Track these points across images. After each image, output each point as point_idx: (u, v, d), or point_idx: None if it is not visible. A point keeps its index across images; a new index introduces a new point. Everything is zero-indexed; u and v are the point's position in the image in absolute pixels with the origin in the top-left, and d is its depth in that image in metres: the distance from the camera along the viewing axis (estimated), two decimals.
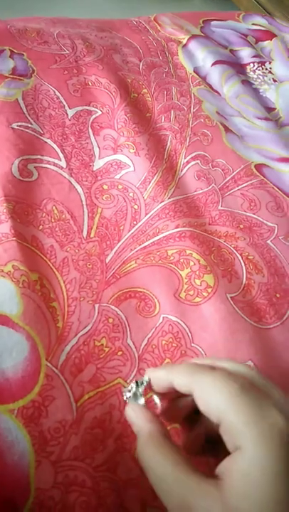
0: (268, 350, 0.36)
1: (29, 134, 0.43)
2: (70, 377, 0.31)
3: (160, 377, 0.26)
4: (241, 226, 0.43)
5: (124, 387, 0.28)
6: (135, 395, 0.27)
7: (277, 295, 0.39)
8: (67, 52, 0.52)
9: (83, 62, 0.52)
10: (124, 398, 0.28)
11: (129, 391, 0.27)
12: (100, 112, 0.47)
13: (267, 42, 0.63)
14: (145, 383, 0.27)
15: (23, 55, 0.50)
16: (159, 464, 0.21)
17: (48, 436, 0.28)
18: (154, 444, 0.22)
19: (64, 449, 0.28)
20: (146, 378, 0.27)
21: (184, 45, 0.60)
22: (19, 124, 0.43)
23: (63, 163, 0.42)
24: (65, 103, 0.47)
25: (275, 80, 0.58)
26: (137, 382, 0.28)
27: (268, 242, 0.43)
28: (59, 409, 0.29)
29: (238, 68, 0.59)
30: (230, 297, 0.38)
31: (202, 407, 0.22)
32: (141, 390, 0.27)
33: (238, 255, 0.41)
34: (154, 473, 0.21)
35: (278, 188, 0.47)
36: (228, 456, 0.20)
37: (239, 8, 1.65)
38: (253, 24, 0.66)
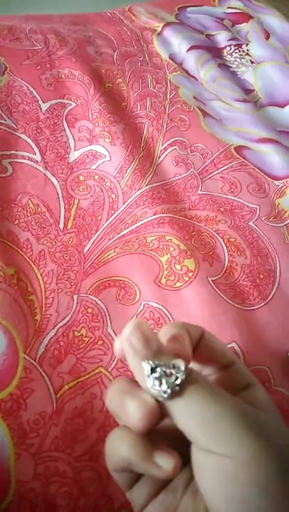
0: (252, 331, 0.35)
1: (3, 131, 0.43)
2: (49, 368, 0.31)
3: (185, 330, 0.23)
4: (222, 209, 0.43)
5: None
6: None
7: (261, 276, 0.39)
8: (40, 47, 0.52)
9: (56, 56, 0.51)
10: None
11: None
12: (74, 104, 0.47)
13: (243, 24, 0.62)
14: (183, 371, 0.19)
15: None
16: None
17: (27, 428, 0.28)
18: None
19: (44, 440, 0.28)
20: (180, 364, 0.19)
21: (159, 33, 0.59)
22: None
23: (38, 157, 0.42)
24: (38, 97, 0.47)
25: (252, 62, 0.57)
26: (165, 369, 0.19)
27: (250, 223, 0.42)
28: (38, 401, 0.29)
29: (214, 52, 0.58)
30: (212, 280, 0.37)
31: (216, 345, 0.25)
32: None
33: (220, 238, 0.40)
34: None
35: (259, 169, 0.47)
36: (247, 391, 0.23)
37: None
38: (228, 8, 0.65)
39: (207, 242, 0.40)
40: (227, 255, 0.39)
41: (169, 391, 0.18)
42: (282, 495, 0.16)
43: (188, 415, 0.18)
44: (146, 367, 0.19)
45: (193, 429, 0.18)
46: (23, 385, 0.29)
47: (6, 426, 0.28)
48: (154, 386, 0.19)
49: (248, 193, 0.44)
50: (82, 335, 0.33)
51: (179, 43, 0.57)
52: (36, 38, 0.53)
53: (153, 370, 0.19)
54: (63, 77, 0.49)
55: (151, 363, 0.19)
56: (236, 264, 0.39)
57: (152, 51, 0.57)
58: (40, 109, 0.46)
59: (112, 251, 0.38)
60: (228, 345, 0.33)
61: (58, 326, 0.33)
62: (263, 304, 0.37)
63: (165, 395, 0.18)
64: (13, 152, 0.42)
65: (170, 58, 0.56)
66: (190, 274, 0.37)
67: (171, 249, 0.38)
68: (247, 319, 0.36)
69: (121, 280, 0.36)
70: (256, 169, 0.47)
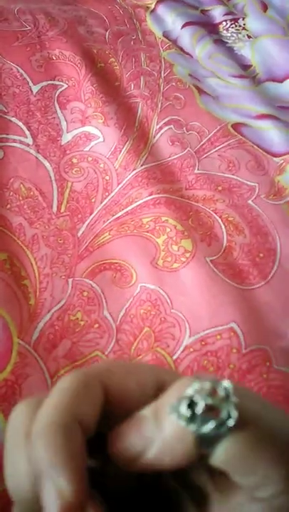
0: (252, 310, 0.34)
1: None
2: (44, 353, 0.30)
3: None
4: (220, 188, 0.41)
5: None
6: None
7: (261, 255, 0.38)
8: (29, 28, 0.51)
9: (46, 37, 0.50)
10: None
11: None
12: (65, 85, 0.46)
13: None
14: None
15: None
16: None
17: None
18: None
19: None
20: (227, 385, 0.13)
21: (152, 11, 0.57)
22: None
23: (29, 140, 0.41)
24: (29, 79, 0.46)
25: (249, 36, 0.55)
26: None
27: (249, 201, 0.41)
28: (34, 386, 0.29)
29: (210, 28, 0.56)
30: (210, 260, 0.36)
31: None
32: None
33: (218, 218, 0.39)
34: None
35: (258, 146, 0.45)
36: None
37: None
38: None
39: (205, 221, 0.39)
40: (225, 235, 0.38)
41: (232, 421, 0.12)
42: None
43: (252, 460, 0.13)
44: (180, 408, 0.12)
45: (248, 476, 0.13)
46: (17, 371, 0.29)
47: (1, 412, 0.27)
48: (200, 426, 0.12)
49: (247, 171, 0.43)
50: (77, 318, 0.32)
51: (173, 20, 0.55)
52: (25, 19, 0.51)
53: (191, 405, 0.12)
54: (54, 58, 0.48)
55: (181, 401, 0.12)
56: (235, 244, 0.38)
57: (145, 29, 0.55)
58: (31, 91, 0.45)
59: (107, 233, 0.37)
60: (228, 325, 0.33)
61: (52, 310, 0.32)
62: (263, 283, 0.36)
63: (223, 431, 0.12)
64: (3, 136, 0.41)
65: (164, 35, 0.54)
66: (187, 255, 0.36)
67: (168, 230, 0.37)
68: (247, 299, 0.35)
69: (117, 263, 0.35)
70: (255, 146, 0.45)
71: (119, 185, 0.40)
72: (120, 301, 0.34)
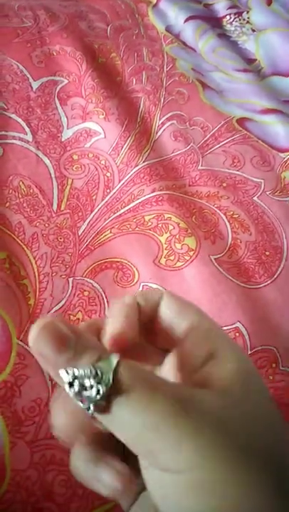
0: (258, 310, 0.33)
1: None
2: None
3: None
4: (224, 184, 0.40)
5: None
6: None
7: (267, 253, 0.37)
8: (30, 24, 0.50)
9: (46, 32, 0.49)
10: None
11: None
12: (66, 81, 0.45)
13: None
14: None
15: None
16: None
17: (22, 416, 0.27)
18: None
19: (40, 428, 0.27)
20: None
21: (154, 5, 0.56)
22: None
23: (29, 137, 0.40)
24: (29, 75, 0.45)
25: (253, 30, 0.54)
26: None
27: (255, 198, 0.40)
28: (33, 387, 0.28)
29: (213, 22, 0.55)
30: (215, 259, 0.35)
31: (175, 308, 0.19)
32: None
33: (222, 215, 0.38)
34: None
35: (263, 141, 0.44)
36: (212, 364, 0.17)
37: None
38: None
39: (209, 219, 0.38)
40: (230, 232, 0.37)
41: (92, 408, 0.15)
42: None
43: (126, 430, 0.15)
44: (64, 378, 0.15)
45: (134, 446, 0.15)
46: (16, 372, 0.28)
47: (0, 414, 0.26)
48: (77, 402, 0.15)
49: (252, 167, 0.42)
50: (78, 319, 0.31)
51: (175, 14, 0.54)
52: (26, 15, 0.51)
53: (71, 384, 0.15)
54: (54, 53, 0.47)
55: (67, 373, 0.15)
56: (240, 241, 0.37)
57: (148, 24, 0.54)
58: (31, 87, 0.44)
59: (108, 231, 0.36)
60: (233, 325, 0.32)
61: (52, 311, 0.31)
62: (269, 281, 0.35)
63: (90, 412, 0.15)
64: (3, 133, 0.40)
65: (167, 30, 0.53)
66: (191, 253, 0.35)
67: (171, 227, 0.36)
68: (252, 298, 0.34)
69: (118, 261, 0.35)
70: (260, 141, 0.44)
71: (121, 182, 0.39)
72: None
